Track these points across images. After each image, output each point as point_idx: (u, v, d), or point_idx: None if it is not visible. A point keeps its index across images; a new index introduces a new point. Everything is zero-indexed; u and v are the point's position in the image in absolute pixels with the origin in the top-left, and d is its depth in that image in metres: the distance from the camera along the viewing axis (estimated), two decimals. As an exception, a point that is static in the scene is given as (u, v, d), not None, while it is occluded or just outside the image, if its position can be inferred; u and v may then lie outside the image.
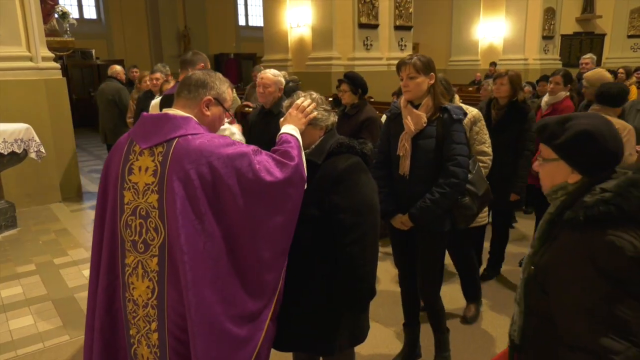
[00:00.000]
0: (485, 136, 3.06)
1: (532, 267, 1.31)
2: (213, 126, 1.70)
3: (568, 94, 3.99)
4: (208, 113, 1.66)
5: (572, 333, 1.18)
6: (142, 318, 1.57)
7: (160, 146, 1.53)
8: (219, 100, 1.68)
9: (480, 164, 2.83)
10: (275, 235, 1.62)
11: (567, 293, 1.19)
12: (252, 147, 1.61)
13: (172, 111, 1.62)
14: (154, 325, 1.55)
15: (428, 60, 2.39)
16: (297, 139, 1.74)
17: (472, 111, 3.04)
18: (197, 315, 1.46)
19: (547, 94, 4.06)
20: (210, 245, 1.50)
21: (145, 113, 1.66)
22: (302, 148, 1.74)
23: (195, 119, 1.61)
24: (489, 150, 3.06)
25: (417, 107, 2.41)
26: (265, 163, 1.58)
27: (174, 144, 1.51)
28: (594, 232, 1.16)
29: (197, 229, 1.48)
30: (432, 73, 2.39)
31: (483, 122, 3.08)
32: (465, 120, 2.78)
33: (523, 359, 1.39)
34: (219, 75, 1.73)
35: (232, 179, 1.50)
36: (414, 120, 2.39)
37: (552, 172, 1.31)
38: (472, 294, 3.26)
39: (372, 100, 7.93)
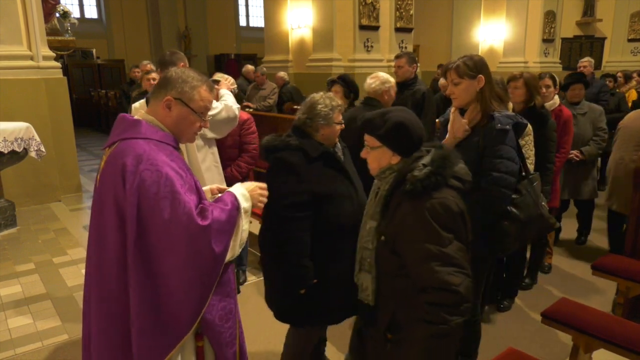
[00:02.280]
0: (530, 152, 2.77)
1: (382, 237, 1.57)
2: (179, 128, 1.60)
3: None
4: (170, 114, 1.57)
5: (424, 277, 1.48)
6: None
7: (109, 148, 1.56)
8: (182, 100, 1.56)
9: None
10: (169, 273, 1.47)
11: (416, 247, 1.48)
12: (179, 180, 1.48)
13: (135, 112, 1.64)
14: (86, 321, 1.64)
15: (475, 62, 2.16)
16: (236, 206, 1.60)
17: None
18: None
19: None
20: (121, 250, 1.47)
21: (121, 114, 1.63)
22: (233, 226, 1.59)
23: (154, 121, 1.57)
24: (531, 168, 2.73)
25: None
26: (181, 189, 1.46)
27: (114, 147, 1.53)
28: (429, 197, 1.49)
29: (108, 233, 1.48)
30: (480, 75, 2.14)
31: (531, 138, 2.79)
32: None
33: (382, 315, 1.62)
34: (192, 73, 1.61)
35: (134, 196, 1.44)
36: (454, 127, 2.20)
37: (379, 157, 1.62)
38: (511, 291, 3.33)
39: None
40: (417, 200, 1.49)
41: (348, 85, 3.71)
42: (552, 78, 3.61)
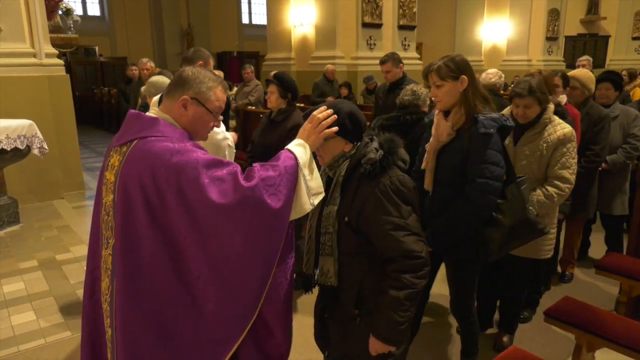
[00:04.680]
0: (572, 161, 2.58)
1: (346, 218, 1.67)
2: (194, 128, 1.59)
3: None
4: (186, 113, 1.56)
5: (391, 247, 1.62)
6: (105, 311, 1.61)
7: (125, 145, 1.52)
8: (199, 100, 1.57)
9: (555, 192, 2.53)
10: (230, 257, 1.47)
11: (381, 221, 1.62)
12: (218, 159, 1.50)
13: (152, 110, 1.61)
14: (108, 321, 1.58)
15: (457, 63, 2.09)
16: (293, 157, 1.59)
17: (564, 129, 2.59)
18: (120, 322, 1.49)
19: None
20: (158, 251, 1.45)
21: (131, 110, 1.62)
22: (301, 167, 1.59)
23: (170, 120, 1.56)
24: (572, 177, 2.57)
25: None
26: (215, 179, 1.45)
27: (132, 145, 1.49)
28: (388, 176, 1.64)
29: (141, 233, 1.45)
30: (463, 76, 2.08)
31: (574, 145, 2.60)
32: (553, 137, 2.53)
33: (347, 293, 1.72)
34: (209, 74, 1.62)
35: (169, 189, 1.42)
36: (438, 131, 2.16)
37: (333, 148, 1.71)
38: (509, 326, 2.96)
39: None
40: (376, 179, 1.64)
41: (283, 84, 3.36)
42: (563, 77, 3.42)
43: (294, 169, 1.58)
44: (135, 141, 1.50)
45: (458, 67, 2.08)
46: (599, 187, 3.67)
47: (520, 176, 2.29)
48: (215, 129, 1.69)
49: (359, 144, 1.74)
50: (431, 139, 2.25)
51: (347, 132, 1.69)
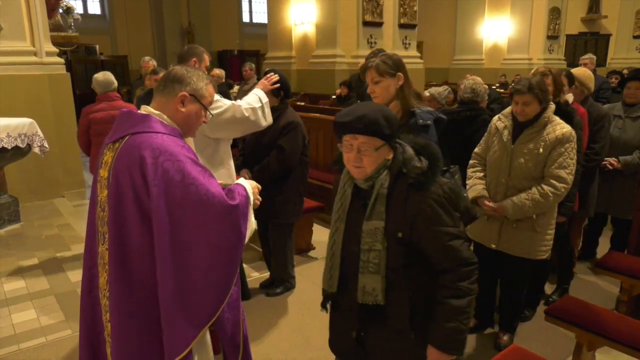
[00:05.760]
0: (571, 161, 2.57)
1: (400, 233, 1.55)
2: (189, 123, 1.66)
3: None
4: (182, 109, 1.62)
5: (449, 257, 1.55)
6: (104, 306, 1.63)
7: (117, 142, 1.57)
8: (195, 97, 1.63)
9: (551, 190, 2.53)
10: (199, 253, 1.52)
11: (439, 231, 1.54)
12: (202, 169, 1.55)
13: (144, 107, 1.63)
14: (108, 316, 1.61)
15: (394, 61, 2.19)
16: (247, 195, 1.68)
17: (563, 129, 2.58)
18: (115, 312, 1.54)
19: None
20: (145, 242, 1.50)
21: (123, 109, 1.66)
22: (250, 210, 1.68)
23: (162, 117, 1.59)
24: (569, 177, 2.57)
25: None
26: (202, 175, 1.51)
27: (124, 141, 1.54)
28: (438, 185, 1.55)
29: (131, 225, 1.51)
30: (399, 73, 2.18)
31: (573, 145, 2.59)
32: (552, 136, 2.55)
33: (396, 309, 1.60)
34: (199, 72, 1.69)
35: (159, 186, 1.46)
36: None
37: (378, 158, 1.55)
38: (509, 325, 2.96)
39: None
40: (427, 189, 1.54)
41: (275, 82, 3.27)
42: (569, 76, 3.36)
43: (249, 207, 1.68)
44: (127, 137, 1.55)
45: (395, 65, 2.18)
46: (610, 189, 3.64)
47: (453, 166, 2.30)
48: (218, 108, 1.74)
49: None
50: None
51: (390, 137, 1.55)
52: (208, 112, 1.70)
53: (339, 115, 1.56)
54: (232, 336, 1.68)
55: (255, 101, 2.86)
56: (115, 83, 4.28)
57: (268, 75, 3.07)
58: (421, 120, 2.13)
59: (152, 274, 1.50)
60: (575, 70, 3.62)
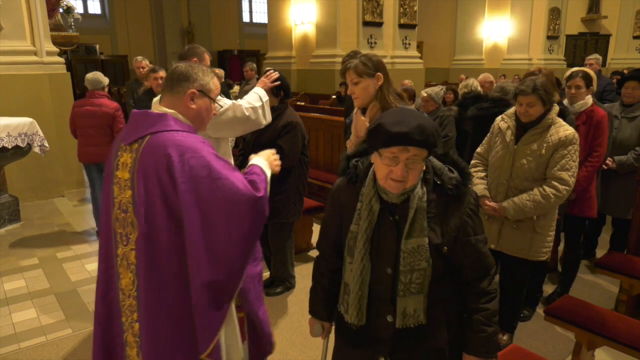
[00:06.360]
0: (573, 164, 2.56)
1: (445, 248, 1.44)
2: (200, 118, 1.69)
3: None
4: (193, 106, 1.65)
5: (483, 265, 1.51)
6: (127, 307, 1.64)
7: (136, 143, 1.58)
8: (203, 92, 1.66)
9: (552, 192, 2.53)
10: (228, 237, 1.56)
11: (476, 240, 1.48)
12: (225, 161, 1.61)
13: (156, 107, 1.65)
14: (135, 316, 1.61)
15: (373, 61, 2.15)
16: (266, 176, 1.75)
17: (566, 131, 2.57)
18: (156, 304, 1.56)
19: (567, 100, 3.38)
20: (174, 239, 1.53)
21: (135, 110, 1.68)
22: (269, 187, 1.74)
23: (176, 115, 1.61)
24: (571, 180, 2.55)
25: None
26: (226, 169, 1.56)
27: (145, 141, 1.56)
28: (469, 194, 1.48)
29: (160, 223, 1.52)
30: (379, 73, 2.14)
31: (577, 148, 2.58)
32: (555, 138, 2.55)
33: (434, 329, 1.49)
34: (202, 67, 1.72)
35: (187, 183, 1.49)
36: (357, 127, 2.18)
37: (420, 171, 1.41)
38: (508, 325, 2.93)
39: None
40: (464, 199, 1.46)
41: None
42: (585, 78, 3.29)
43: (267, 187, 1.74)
44: (148, 137, 1.56)
45: (374, 65, 2.14)
46: (608, 189, 3.64)
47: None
48: (222, 108, 1.82)
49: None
50: (351, 136, 2.30)
51: (435, 147, 1.39)
52: (217, 104, 1.75)
53: (389, 124, 1.34)
54: (255, 312, 1.73)
55: (255, 100, 2.87)
56: (104, 82, 4.81)
57: (268, 73, 3.07)
58: None
59: (180, 270, 1.53)
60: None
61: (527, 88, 2.56)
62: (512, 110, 2.79)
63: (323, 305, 1.70)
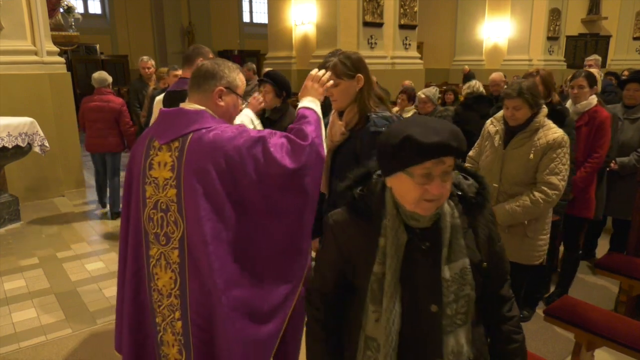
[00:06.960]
0: (563, 167, 2.52)
1: (484, 264, 1.29)
2: (229, 115, 1.70)
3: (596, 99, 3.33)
4: (222, 103, 1.65)
5: (504, 273, 1.38)
6: (166, 307, 1.63)
7: (176, 141, 1.57)
8: (231, 89, 1.67)
9: (542, 197, 2.50)
10: (291, 216, 1.64)
11: (502, 251, 1.37)
12: (267, 130, 1.63)
13: (188, 105, 1.64)
14: (177, 314, 1.61)
15: (353, 61, 1.97)
16: (314, 111, 1.77)
17: (555, 134, 2.54)
18: (226, 299, 1.54)
19: (570, 101, 3.37)
20: (232, 235, 1.55)
21: (163, 109, 1.68)
22: (322, 118, 1.77)
23: (209, 112, 1.62)
24: (561, 184, 2.51)
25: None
26: (279, 147, 1.58)
27: (189, 139, 1.55)
28: (487, 201, 1.33)
29: (218, 220, 1.52)
30: (359, 75, 1.97)
31: (566, 151, 2.53)
32: (543, 142, 2.51)
33: (476, 349, 1.32)
34: (228, 63, 1.72)
35: (248, 167, 1.52)
36: (332, 131, 2.06)
37: (452, 181, 1.22)
38: None
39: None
40: (484, 206, 1.31)
41: (278, 83, 3.32)
42: (588, 77, 3.26)
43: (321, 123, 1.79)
44: (191, 134, 1.55)
45: (354, 65, 1.96)
46: (612, 191, 3.63)
47: None
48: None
49: None
50: (326, 140, 2.24)
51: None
52: (243, 100, 1.77)
53: (419, 135, 1.09)
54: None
55: (247, 123, 2.85)
56: (109, 80, 5.31)
57: (254, 95, 3.01)
58: (373, 127, 1.91)
59: (230, 264, 1.57)
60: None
61: (512, 91, 2.53)
62: (500, 114, 2.76)
63: (328, 355, 1.42)
